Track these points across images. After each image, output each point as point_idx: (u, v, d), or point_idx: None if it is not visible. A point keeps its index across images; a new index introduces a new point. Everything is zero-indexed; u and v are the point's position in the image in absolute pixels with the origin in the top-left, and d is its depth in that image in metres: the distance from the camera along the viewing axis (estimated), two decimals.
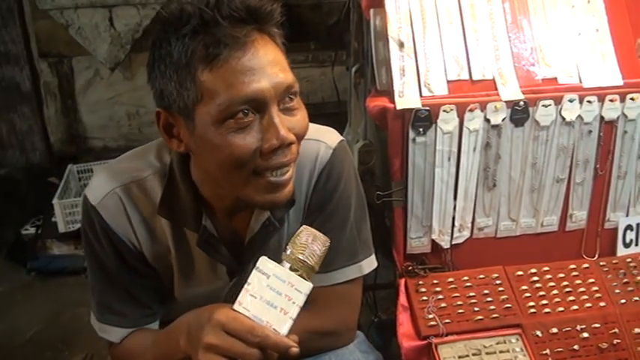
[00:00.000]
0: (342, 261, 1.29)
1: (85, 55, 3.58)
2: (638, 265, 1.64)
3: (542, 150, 1.58)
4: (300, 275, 0.99)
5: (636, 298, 1.56)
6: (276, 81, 1.03)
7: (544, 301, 1.54)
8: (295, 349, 0.98)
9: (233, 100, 1.01)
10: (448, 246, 1.62)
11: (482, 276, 1.59)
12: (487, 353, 1.44)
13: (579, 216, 1.66)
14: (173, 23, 1.03)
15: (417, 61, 1.54)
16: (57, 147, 3.71)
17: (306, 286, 0.99)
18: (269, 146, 1.04)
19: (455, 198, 1.58)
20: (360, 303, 1.40)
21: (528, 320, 1.50)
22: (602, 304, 1.54)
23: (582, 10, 1.62)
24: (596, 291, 1.57)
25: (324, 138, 1.27)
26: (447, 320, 1.49)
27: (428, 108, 1.50)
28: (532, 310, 1.52)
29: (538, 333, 1.48)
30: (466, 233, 1.63)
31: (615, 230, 1.69)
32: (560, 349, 1.47)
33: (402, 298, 1.55)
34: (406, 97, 1.51)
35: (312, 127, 1.16)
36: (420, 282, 1.57)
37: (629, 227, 1.69)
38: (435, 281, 1.58)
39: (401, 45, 1.54)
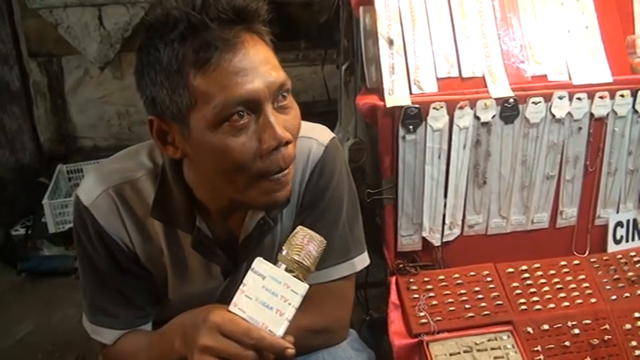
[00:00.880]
0: (335, 258, 1.29)
1: (75, 54, 3.55)
2: (628, 262, 1.65)
3: (532, 147, 1.59)
4: (296, 276, 0.99)
5: (627, 295, 1.56)
6: (269, 80, 1.03)
7: (535, 298, 1.54)
8: (291, 351, 0.97)
9: (228, 101, 1.00)
10: (439, 243, 1.62)
11: (473, 273, 1.59)
12: (478, 350, 1.44)
13: (570, 213, 1.67)
14: (159, 29, 1.02)
15: (406, 58, 1.54)
16: (47, 147, 3.68)
17: (302, 288, 0.98)
18: (267, 147, 1.03)
19: (445, 195, 1.59)
20: (353, 300, 1.39)
21: (519, 317, 1.51)
22: (592, 300, 1.55)
23: (572, 7, 1.63)
24: (586, 287, 1.58)
25: (316, 135, 1.27)
26: (439, 318, 1.49)
27: (418, 105, 1.50)
28: (523, 307, 1.53)
29: (529, 330, 1.49)
30: (457, 231, 1.63)
31: (606, 227, 1.70)
32: (552, 346, 1.47)
33: (393, 296, 1.56)
34: (396, 95, 1.51)
35: (304, 124, 1.16)
36: (411, 280, 1.58)
37: (619, 224, 1.70)
38: (426, 279, 1.58)
39: (390, 42, 1.54)
